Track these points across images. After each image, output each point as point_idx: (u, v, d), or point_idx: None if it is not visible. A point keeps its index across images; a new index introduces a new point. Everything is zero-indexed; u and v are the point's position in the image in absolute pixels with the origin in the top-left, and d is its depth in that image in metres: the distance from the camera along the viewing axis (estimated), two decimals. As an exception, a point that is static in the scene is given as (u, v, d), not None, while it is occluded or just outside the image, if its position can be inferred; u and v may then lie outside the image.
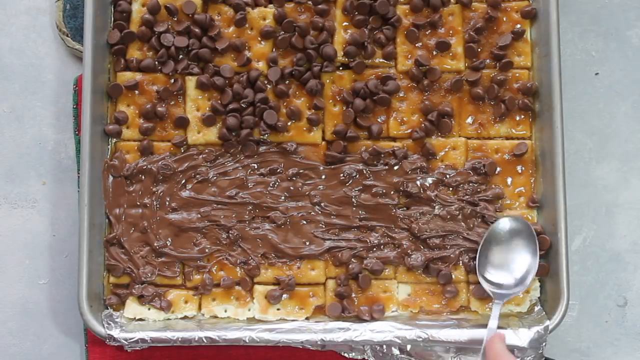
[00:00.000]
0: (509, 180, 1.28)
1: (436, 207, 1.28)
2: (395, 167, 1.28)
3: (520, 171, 1.29)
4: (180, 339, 1.23)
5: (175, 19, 1.29)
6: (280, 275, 1.27)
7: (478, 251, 1.25)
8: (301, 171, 1.29)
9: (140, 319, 1.27)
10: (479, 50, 1.29)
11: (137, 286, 1.27)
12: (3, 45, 1.36)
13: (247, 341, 1.23)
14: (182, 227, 1.27)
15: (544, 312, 1.26)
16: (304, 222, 1.28)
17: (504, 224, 1.25)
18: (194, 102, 1.29)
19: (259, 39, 1.29)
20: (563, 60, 1.26)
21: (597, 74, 1.37)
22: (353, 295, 1.27)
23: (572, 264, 1.27)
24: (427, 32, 1.29)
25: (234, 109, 1.27)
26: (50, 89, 1.35)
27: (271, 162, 1.28)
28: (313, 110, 1.29)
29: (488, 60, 1.30)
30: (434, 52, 1.29)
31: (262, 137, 1.28)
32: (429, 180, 1.28)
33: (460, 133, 1.30)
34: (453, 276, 1.27)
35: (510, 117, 1.29)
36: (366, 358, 1.26)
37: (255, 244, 1.28)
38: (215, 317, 1.27)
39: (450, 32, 1.29)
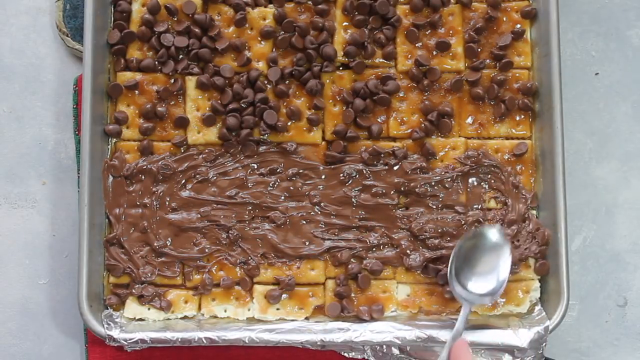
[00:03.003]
0: (509, 180, 1.29)
1: (435, 207, 1.28)
2: (395, 167, 1.28)
3: (520, 171, 1.29)
4: (180, 340, 1.23)
5: (175, 19, 1.29)
6: (280, 275, 1.27)
7: (453, 253, 1.22)
8: (301, 171, 1.28)
9: (140, 319, 1.27)
10: (479, 50, 1.29)
11: (137, 286, 1.27)
12: (3, 45, 1.36)
13: (247, 341, 1.23)
14: (182, 227, 1.27)
15: (544, 312, 1.26)
16: (304, 222, 1.28)
17: (491, 234, 1.21)
18: (194, 102, 1.29)
19: (259, 39, 1.29)
20: (563, 60, 1.26)
21: (597, 74, 1.37)
22: (352, 295, 1.27)
23: (572, 264, 1.27)
24: (427, 32, 1.29)
25: (234, 109, 1.27)
26: (50, 89, 1.35)
27: (271, 162, 1.28)
28: (313, 110, 1.29)
29: (488, 60, 1.29)
30: (434, 52, 1.29)
31: (262, 137, 1.28)
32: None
33: (460, 133, 1.29)
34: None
35: (510, 117, 1.29)
36: (366, 358, 1.26)
37: (255, 244, 1.28)
38: (215, 317, 1.27)
39: (450, 32, 1.29)
